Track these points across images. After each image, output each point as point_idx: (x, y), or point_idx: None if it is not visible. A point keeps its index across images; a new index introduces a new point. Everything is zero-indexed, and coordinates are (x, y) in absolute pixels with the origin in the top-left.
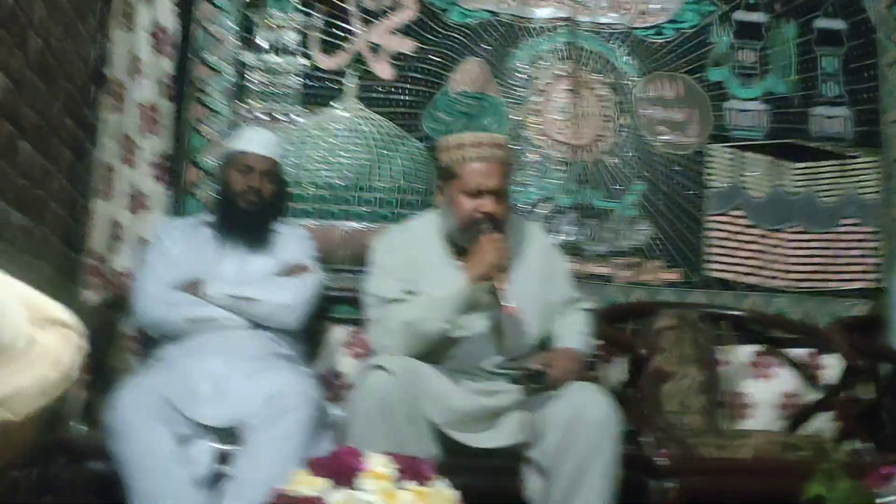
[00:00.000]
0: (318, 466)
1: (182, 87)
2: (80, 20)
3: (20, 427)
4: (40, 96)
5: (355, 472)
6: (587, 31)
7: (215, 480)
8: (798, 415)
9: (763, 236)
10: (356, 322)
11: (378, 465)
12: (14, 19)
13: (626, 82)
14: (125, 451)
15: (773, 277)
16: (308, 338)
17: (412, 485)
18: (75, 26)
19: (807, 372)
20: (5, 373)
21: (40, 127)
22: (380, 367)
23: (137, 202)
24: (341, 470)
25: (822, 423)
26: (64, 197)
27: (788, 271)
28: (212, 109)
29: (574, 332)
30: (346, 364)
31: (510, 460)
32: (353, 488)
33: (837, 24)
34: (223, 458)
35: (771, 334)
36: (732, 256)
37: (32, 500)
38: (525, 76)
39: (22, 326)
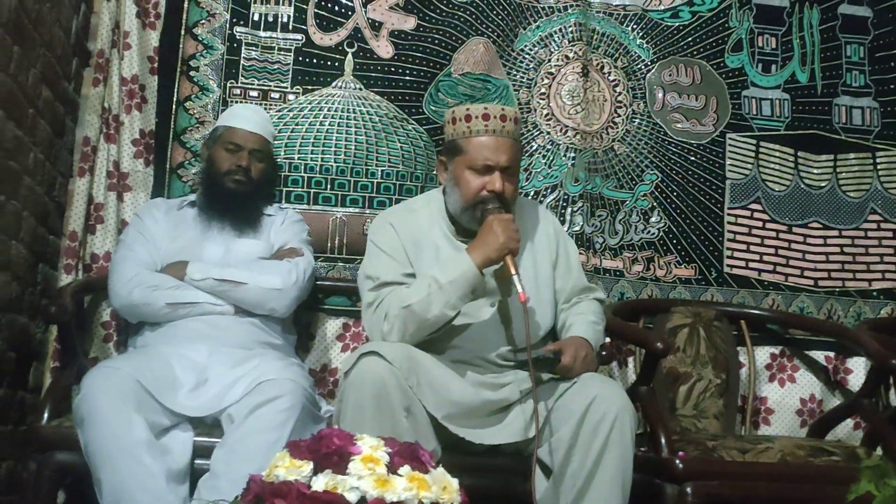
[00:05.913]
0: (303, 449)
1: (170, 63)
2: None
3: None
4: (13, 59)
5: (344, 455)
6: (599, 11)
7: (193, 474)
8: (821, 420)
9: (784, 232)
10: (351, 314)
11: (369, 448)
12: None
13: (639, 67)
14: (93, 441)
15: (794, 275)
16: (299, 329)
17: (407, 471)
18: None
19: (830, 375)
20: None
21: (13, 92)
22: (374, 353)
23: (119, 182)
24: (328, 453)
25: (847, 429)
26: (40, 173)
27: (810, 269)
28: (201, 86)
29: (586, 322)
30: (340, 359)
31: (516, 459)
32: (340, 473)
33: (863, 11)
34: (203, 450)
35: (792, 335)
36: (751, 252)
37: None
38: (533, 58)
39: None
